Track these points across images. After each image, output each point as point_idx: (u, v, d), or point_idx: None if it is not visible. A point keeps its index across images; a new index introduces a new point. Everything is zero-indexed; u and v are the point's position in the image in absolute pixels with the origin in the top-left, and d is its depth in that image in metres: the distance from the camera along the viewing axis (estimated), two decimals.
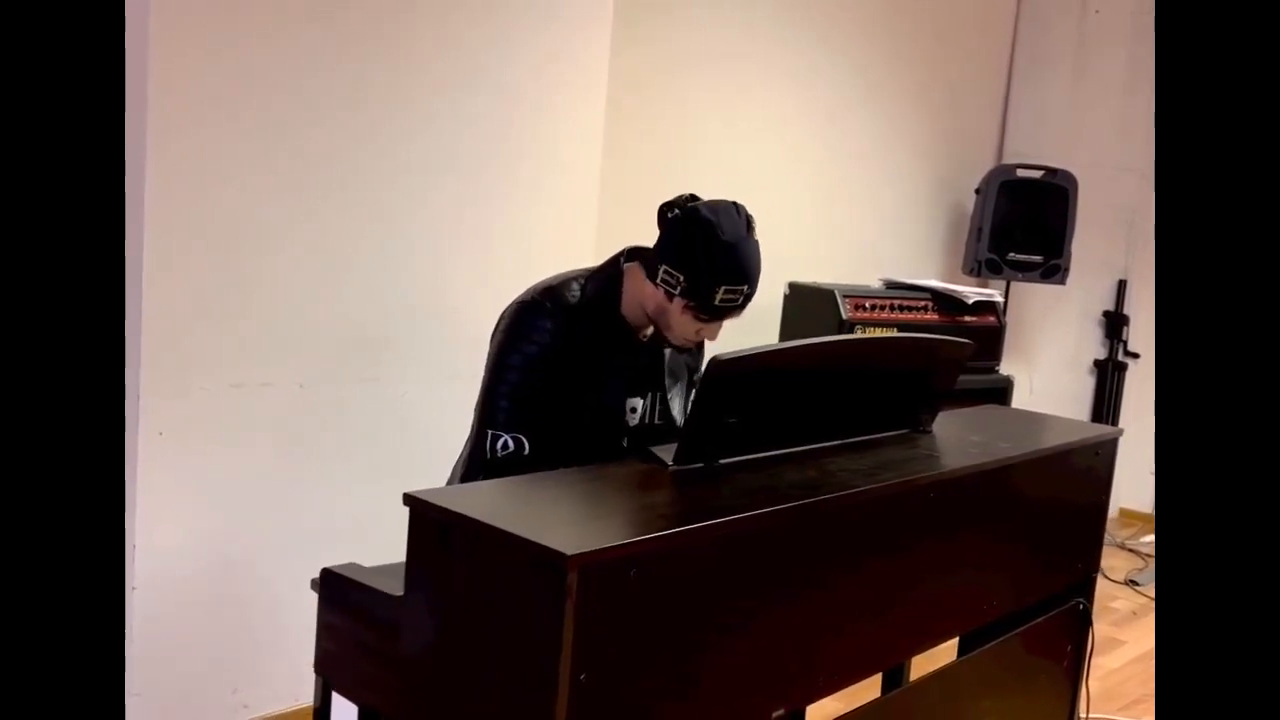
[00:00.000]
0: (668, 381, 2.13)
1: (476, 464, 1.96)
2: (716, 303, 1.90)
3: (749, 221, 1.96)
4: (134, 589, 2.40)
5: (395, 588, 1.49)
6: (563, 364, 1.96)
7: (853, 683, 1.73)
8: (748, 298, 1.95)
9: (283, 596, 2.67)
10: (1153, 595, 4.41)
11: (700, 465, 1.68)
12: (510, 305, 2.03)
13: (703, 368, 2.22)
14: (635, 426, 2.08)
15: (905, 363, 2.05)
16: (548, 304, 1.98)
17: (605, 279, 2.05)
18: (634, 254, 2.06)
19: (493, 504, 1.44)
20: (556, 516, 1.46)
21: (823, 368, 1.85)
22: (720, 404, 1.67)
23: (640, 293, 2.00)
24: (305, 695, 2.69)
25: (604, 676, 1.28)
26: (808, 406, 1.86)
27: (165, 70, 2.31)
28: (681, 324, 1.96)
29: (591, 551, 1.25)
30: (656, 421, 2.10)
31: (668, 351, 2.13)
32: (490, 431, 1.94)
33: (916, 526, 1.81)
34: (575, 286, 2.02)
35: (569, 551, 1.22)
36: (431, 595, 1.39)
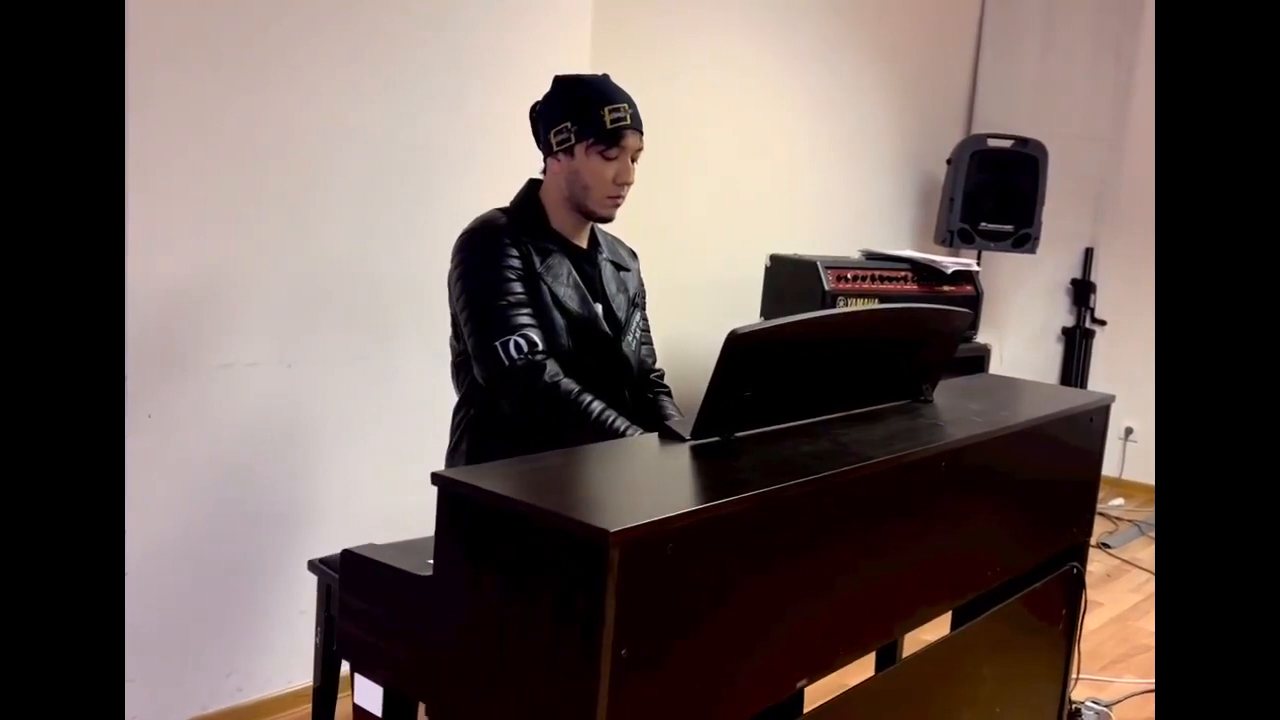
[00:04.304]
0: (611, 290, 2.19)
1: (498, 381, 1.97)
2: (609, 125, 2.02)
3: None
4: (126, 574, 2.36)
5: (419, 567, 1.48)
6: (527, 274, 2.04)
7: (870, 651, 1.75)
8: (635, 115, 2.07)
9: (275, 578, 2.64)
10: (1124, 558, 4.51)
11: (717, 439, 1.68)
12: (455, 247, 2.08)
13: (641, 286, 2.31)
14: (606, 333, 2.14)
15: (911, 333, 2.06)
16: (488, 228, 2.07)
17: (525, 199, 2.16)
18: (538, 181, 2.18)
19: (523, 481, 1.42)
20: (589, 493, 1.44)
21: (834, 339, 1.85)
22: (738, 377, 1.66)
23: (558, 192, 2.10)
24: (299, 677, 2.67)
25: (643, 651, 1.28)
26: (817, 378, 1.86)
27: (147, 45, 2.25)
28: (595, 174, 2.05)
29: (633, 527, 1.23)
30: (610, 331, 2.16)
31: (603, 263, 2.20)
32: (498, 342, 1.96)
33: (928, 495, 1.83)
34: (501, 213, 2.13)
35: (611, 529, 1.21)
36: (463, 575, 1.37)
